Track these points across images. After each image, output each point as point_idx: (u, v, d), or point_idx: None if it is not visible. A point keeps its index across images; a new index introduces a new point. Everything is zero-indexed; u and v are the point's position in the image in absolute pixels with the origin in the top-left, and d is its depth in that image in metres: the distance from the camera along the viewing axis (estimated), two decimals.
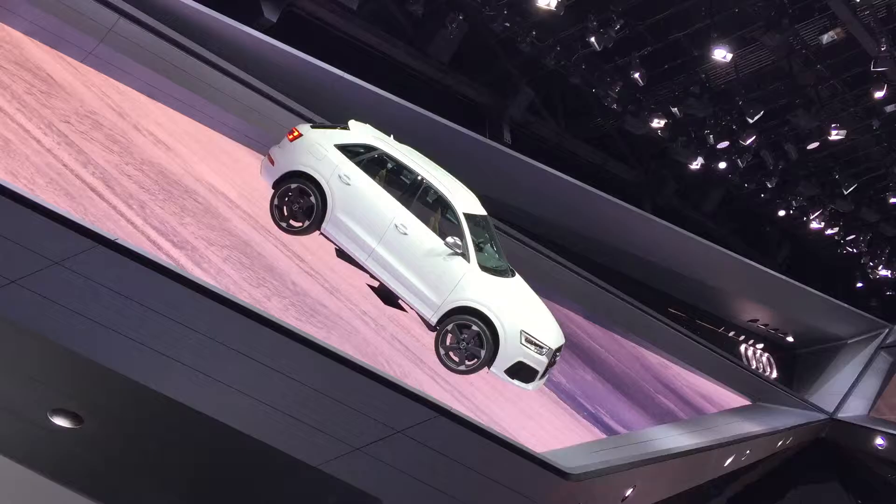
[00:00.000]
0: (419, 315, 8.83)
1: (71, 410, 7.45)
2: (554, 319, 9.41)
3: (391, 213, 8.72)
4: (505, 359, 8.61)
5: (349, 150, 8.96)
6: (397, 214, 8.72)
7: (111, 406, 7.61)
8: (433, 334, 8.83)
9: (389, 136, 9.43)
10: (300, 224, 8.96)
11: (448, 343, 8.73)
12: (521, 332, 8.60)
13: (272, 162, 9.16)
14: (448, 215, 8.94)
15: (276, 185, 9.08)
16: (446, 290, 8.61)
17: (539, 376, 8.86)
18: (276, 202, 9.05)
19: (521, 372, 8.70)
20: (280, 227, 9.11)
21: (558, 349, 9.14)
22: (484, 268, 8.84)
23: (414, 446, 7.84)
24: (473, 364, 8.69)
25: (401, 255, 8.66)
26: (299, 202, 8.92)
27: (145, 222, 8.25)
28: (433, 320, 8.70)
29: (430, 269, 8.63)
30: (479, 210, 9.41)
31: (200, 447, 7.92)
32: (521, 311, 8.82)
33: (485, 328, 8.56)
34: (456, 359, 8.72)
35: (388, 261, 8.68)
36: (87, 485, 8.04)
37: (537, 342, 8.68)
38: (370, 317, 9.40)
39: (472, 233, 8.94)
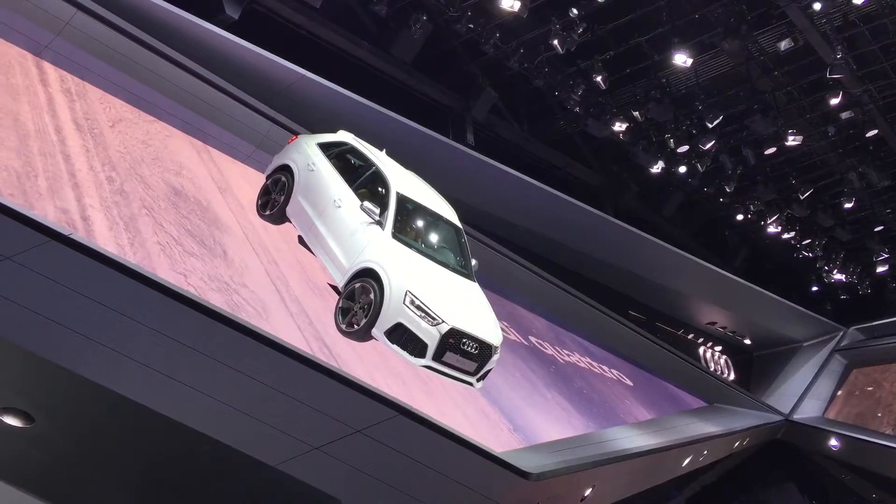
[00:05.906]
0: (335, 286, 8.67)
1: (21, 409, 7.30)
2: (492, 318, 8.87)
3: (334, 192, 9.03)
4: (386, 319, 8.05)
5: (326, 147, 9.67)
6: (339, 193, 9.00)
7: (63, 405, 7.45)
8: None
9: (382, 150, 9.75)
10: (273, 210, 9.61)
11: (346, 307, 8.37)
12: (407, 292, 8.07)
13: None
14: (386, 195, 8.91)
15: (267, 178, 9.98)
16: (355, 255, 8.48)
17: (435, 354, 8.06)
18: (261, 191, 9.92)
19: (403, 338, 8.06)
20: (259, 214, 9.86)
21: (483, 343, 8.38)
22: (409, 244, 8.67)
23: (374, 446, 7.79)
24: (360, 328, 8.21)
25: (330, 226, 8.85)
26: (279, 193, 9.59)
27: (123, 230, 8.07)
28: (340, 285, 8.55)
29: (348, 237, 8.68)
30: (438, 209, 9.45)
31: (156, 447, 7.79)
32: (421, 279, 8.28)
33: (377, 288, 8.11)
34: (351, 322, 8.29)
35: (320, 232, 8.86)
36: (38, 485, 7.88)
37: (425, 308, 8.07)
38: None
39: (440, 237, 9.15)
